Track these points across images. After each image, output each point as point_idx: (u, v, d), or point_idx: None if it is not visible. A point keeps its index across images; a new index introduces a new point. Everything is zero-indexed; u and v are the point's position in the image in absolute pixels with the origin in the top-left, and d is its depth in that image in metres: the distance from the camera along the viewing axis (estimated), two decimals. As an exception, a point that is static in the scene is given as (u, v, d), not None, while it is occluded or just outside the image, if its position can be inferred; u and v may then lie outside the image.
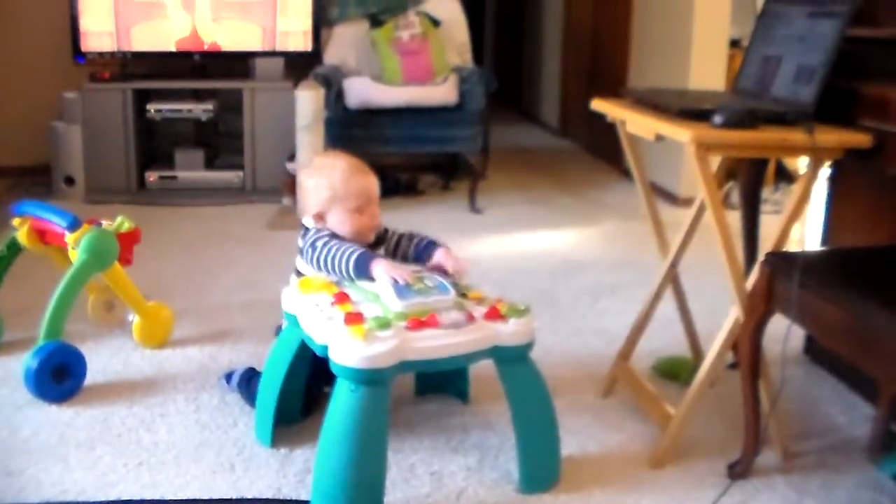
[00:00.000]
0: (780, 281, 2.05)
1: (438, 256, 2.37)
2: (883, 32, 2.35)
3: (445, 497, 2.13)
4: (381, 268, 2.17)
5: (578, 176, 6.08)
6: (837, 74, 2.16)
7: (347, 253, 2.22)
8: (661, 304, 2.68)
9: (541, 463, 2.18)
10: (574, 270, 3.91)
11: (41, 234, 2.82)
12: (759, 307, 2.12)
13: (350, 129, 4.88)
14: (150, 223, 4.27)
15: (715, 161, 2.48)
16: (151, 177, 5.08)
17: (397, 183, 5.33)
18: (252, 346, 2.92)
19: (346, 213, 2.36)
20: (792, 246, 2.06)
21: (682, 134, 2.02)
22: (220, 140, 5.41)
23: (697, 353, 2.73)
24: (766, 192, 5.08)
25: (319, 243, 2.29)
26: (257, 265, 3.84)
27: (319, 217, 2.37)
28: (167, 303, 3.02)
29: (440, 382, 2.62)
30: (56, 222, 2.73)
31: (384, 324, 1.98)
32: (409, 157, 5.61)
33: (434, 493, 2.15)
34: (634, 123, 2.33)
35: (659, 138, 2.18)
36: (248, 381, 2.52)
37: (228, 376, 2.63)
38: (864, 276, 2.04)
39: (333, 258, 2.24)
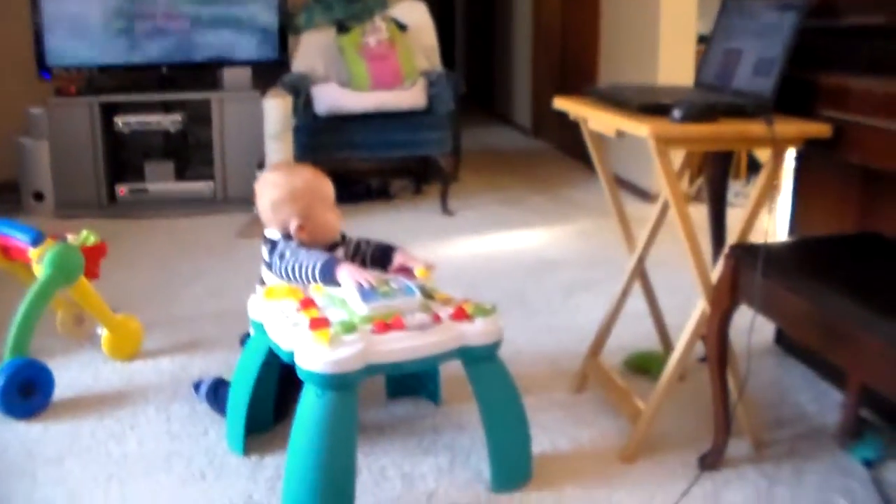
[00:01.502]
0: (745, 272, 2.06)
1: (400, 258, 2.38)
2: (841, 23, 2.36)
3: (416, 499, 2.12)
4: (346, 272, 2.17)
5: (551, 175, 6.09)
6: (797, 66, 2.18)
7: (313, 260, 2.23)
8: (633, 299, 2.69)
9: (511, 462, 2.17)
10: (547, 269, 3.92)
11: (5, 251, 2.80)
12: (724, 299, 2.13)
13: (319, 136, 4.88)
14: (121, 236, 4.28)
15: (678, 155, 2.49)
16: (122, 190, 5.06)
17: (369, 188, 5.32)
18: (223, 355, 2.90)
19: (327, 213, 2.40)
20: (764, 238, 2.07)
21: (640, 129, 2.03)
22: (190, 151, 5.38)
23: (668, 347, 2.74)
24: (739, 186, 5.10)
25: (287, 252, 2.29)
26: (228, 274, 3.83)
27: (301, 228, 2.36)
28: (137, 315, 3.00)
29: (411, 385, 2.61)
30: (19, 238, 2.71)
31: (349, 328, 1.97)
32: (380, 162, 5.60)
33: (405, 494, 2.14)
34: (596, 120, 2.33)
35: (620, 134, 2.19)
36: (215, 391, 2.51)
37: (197, 385, 2.61)
38: (827, 265, 2.04)
39: (301, 267, 2.24)
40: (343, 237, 2.48)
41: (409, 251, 2.46)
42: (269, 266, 2.35)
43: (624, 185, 5.35)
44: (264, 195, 2.41)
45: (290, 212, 2.36)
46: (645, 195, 5.12)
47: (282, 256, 2.29)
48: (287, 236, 2.36)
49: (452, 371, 2.34)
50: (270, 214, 2.40)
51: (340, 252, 2.44)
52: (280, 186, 2.39)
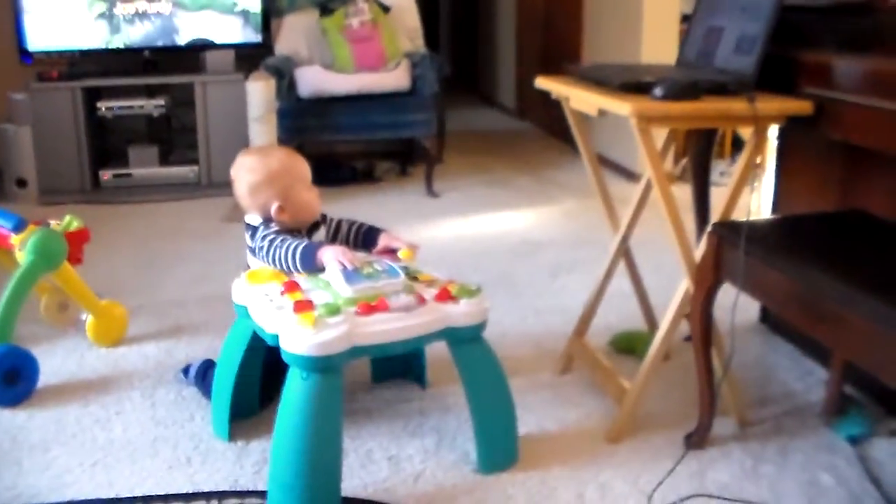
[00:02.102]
0: (728, 250, 2.06)
1: (385, 240, 2.38)
2: (822, 1, 2.36)
3: (403, 481, 2.13)
4: (330, 254, 2.16)
5: (536, 156, 6.09)
6: (779, 43, 2.17)
7: (293, 247, 2.21)
8: (617, 279, 2.69)
9: (498, 443, 2.18)
10: (532, 250, 3.92)
11: (-13, 238, 2.78)
12: (707, 277, 2.13)
13: (303, 119, 4.86)
14: (105, 222, 4.26)
15: (661, 134, 2.49)
16: (105, 175, 5.03)
17: (354, 171, 5.31)
18: (209, 340, 2.89)
19: (306, 193, 2.38)
20: (747, 216, 2.07)
21: (622, 107, 2.03)
22: (174, 135, 5.36)
23: (653, 327, 2.74)
24: (724, 165, 5.10)
25: (266, 242, 2.27)
26: (213, 258, 3.81)
27: (282, 210, 2.34)
28: (122, 300, 2.99)
29: (397, 368, 2.61)
30: (1, 224, 2.69)
31: (334, 310, 1.97)
32: (365, 144, 5.59)
33: (392, 477, 2.14)
34: (577, 99, 2.33)
35: (602, 113, 2.18)
36: (203, 374, 2.50)
37: (186, 370, 2.61)
38: (809, 242, 2.05)
39: (282, 255, 2.22)
40: (324, 217, 2.47)
41: (394, 233, 2.45)
42: (253, 251, 2.34)
43: (608, 165, 5.35)
44: (241, 180, 2.38)
45: (269, 194, 2.34)
46: (630, 175, 5.12)
47: (262, 246, 2.27)
48: (268, 220, 2.34)
49: (438, 353, 2.34)
50: (249, 199, 2.37)
51: (322, 231, 2.43)
52: (256, 170, 2.36)
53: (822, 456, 2.22)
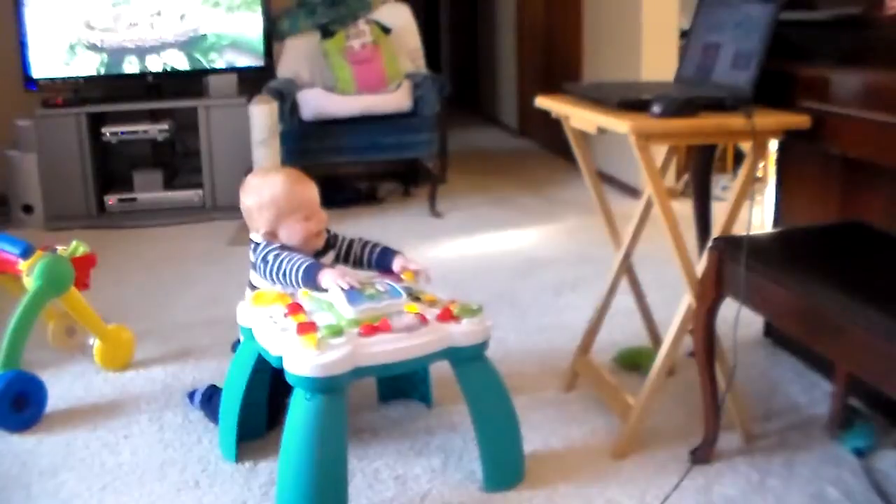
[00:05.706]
0: (729, 265, 2.07)
1: (400, 262, 2.38)
2: (818, 15, 2.38)
3: (410, 500, 2.13)
4: (329, 277, 2.18)
5: (539, 174, 6.11)
6: (776, 58, 2.19)
7: (296, 265, 2.23)
8: (621, 295, 2.70)
9: (503, 461, 2.18)
10: (535, 268, 3.93)
11: (-6, 265, 2.80)
12: (709, 292, 2.14)
13: (306, 141, 4.88)
14: (111, 246, 4.28)
15: (661, 150, 2.50)
16: (111, 200, 5.06)
17: (357, 192, 5.33)
18: (215, 363, 2.91)
19: (295, 225, 2.38)
20: (754, 230, 2.08)
21: (621, 125, 2.04)
22: (178, 159, 5.39)
23: (657, 343, 2.75)
24: (726, 180, 5.12)
25: (270, 257, 2.30)
26: (219, 282, 3.83)
27: (271, 234, 2.37)
28: (129, 325, 3.01)
29: (402, 387, 2.62)
30: (8, 250, 2.71)
31: (337, 331, 1.98)
32: (368, 165, 5.61)
33: (399, 496, 2.15)
34: (577, 118, 2.35)
35: (601, 131, 2.20)
36: (209, 398, 2.52)
37: (192, 395, 2.62)
38: (809, 255, 2.06)
39: (284, 271, 2.25)
40: (335, 238, 2.49)
41: (406, 255, 2.45)
42: (255, 266, 2.37)
43: (611, 181, 5.36)
44: (242, 200, 2.44)
45: (262, 219, 2.38)
46: (631, 191, 5.14)
47: (265, 260, 2.30)
48: (269, 239, 2.37)
49: (443, 373, 2.35)
50: (247, 220, 2.43)
51: (330, 256, 2.45)
52: (250, 195, 2.42)
53: (828, 469, 2.22)
